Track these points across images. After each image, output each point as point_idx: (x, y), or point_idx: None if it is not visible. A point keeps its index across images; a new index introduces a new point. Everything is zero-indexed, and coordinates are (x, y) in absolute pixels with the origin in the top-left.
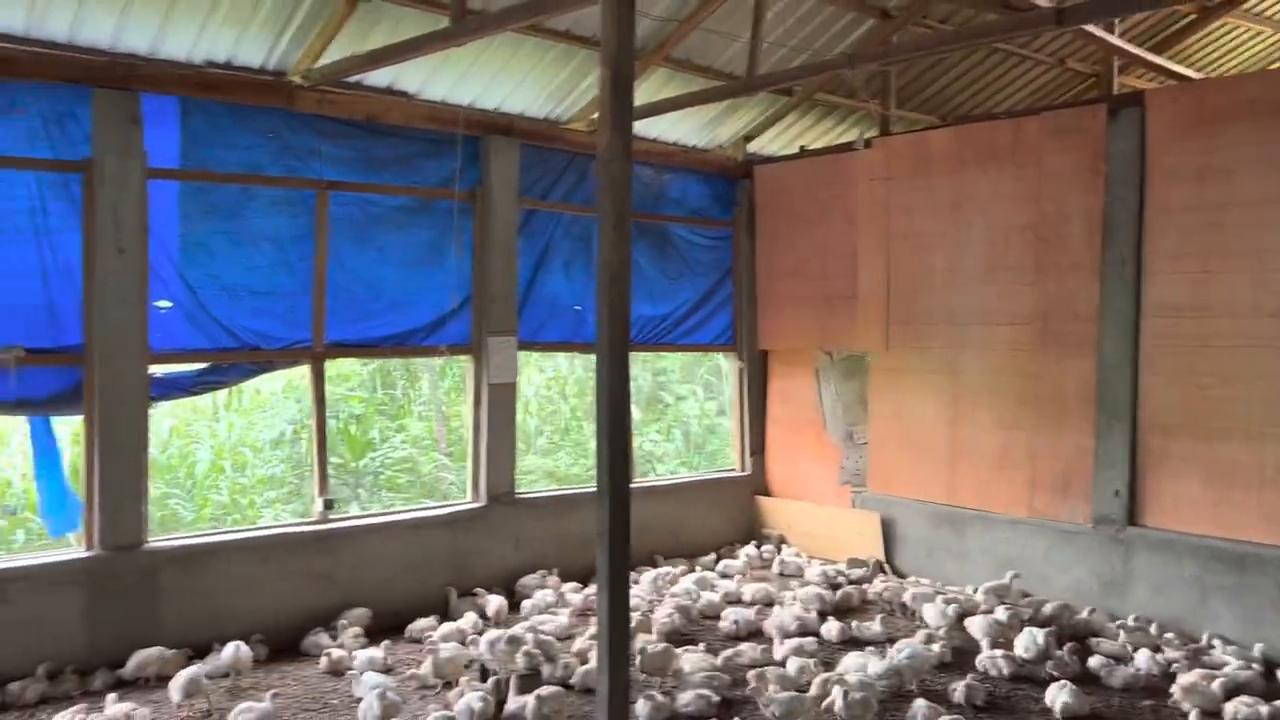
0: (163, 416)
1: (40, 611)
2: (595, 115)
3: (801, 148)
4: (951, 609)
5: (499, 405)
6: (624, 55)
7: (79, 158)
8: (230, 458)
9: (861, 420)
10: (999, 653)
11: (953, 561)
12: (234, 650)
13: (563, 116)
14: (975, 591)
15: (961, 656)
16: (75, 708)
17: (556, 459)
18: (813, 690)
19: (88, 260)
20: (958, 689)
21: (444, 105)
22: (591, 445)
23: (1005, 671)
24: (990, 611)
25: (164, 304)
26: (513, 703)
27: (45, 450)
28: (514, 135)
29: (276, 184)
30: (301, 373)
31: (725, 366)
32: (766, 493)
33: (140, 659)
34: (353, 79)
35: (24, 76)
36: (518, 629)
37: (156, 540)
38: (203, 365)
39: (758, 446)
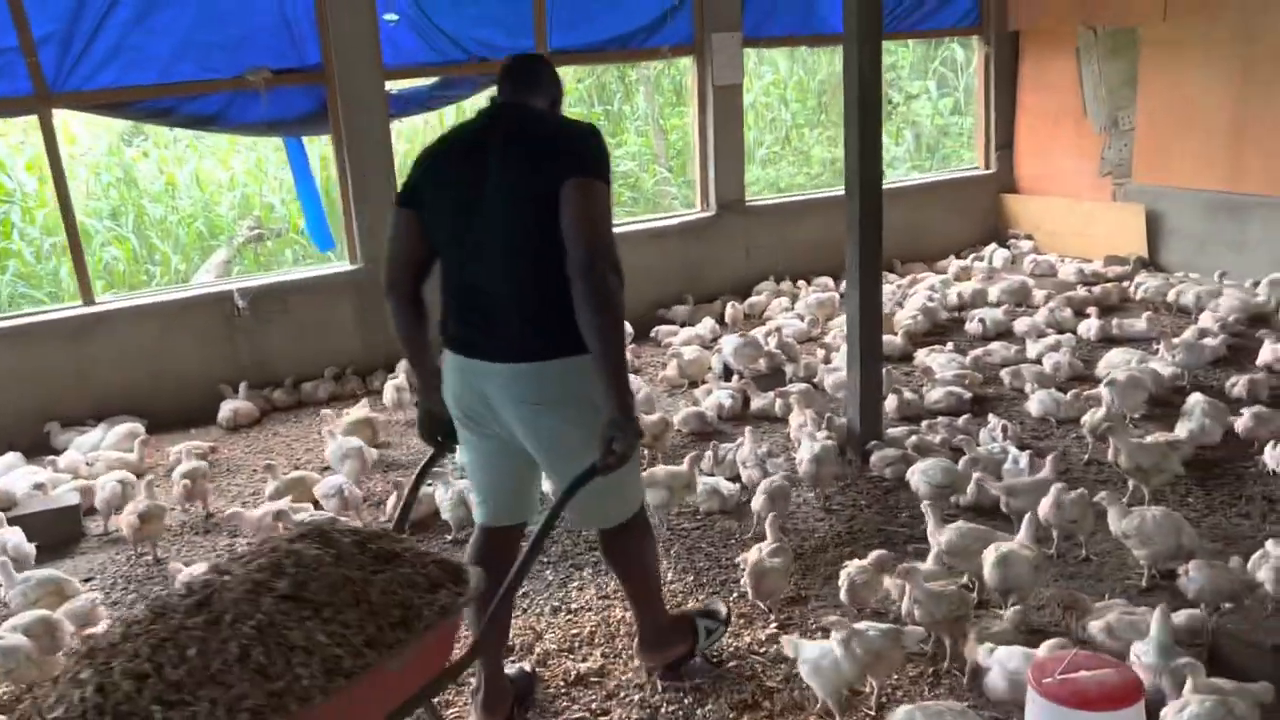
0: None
1: (319, 319)
2: None
3: None
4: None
5: (725, 109)
6: None
7: None
8: None
9: (1128, 104)
10: None
11: (1230, 254)
12: None
13: None
14: (1258, 286)
15: (1240, 354)
16: (361, 403)
17: (779, 169)
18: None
19: None
20: (1238, 384)
21: None
22: (814, 153)
23: None
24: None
25: (391, 17)
26: (758, 400)
27: (302, 171)
28: None
29: None
30: None
31: (963, 56)
32: (1014, 190)
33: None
34: None
35: None
36: (756, 333)
37: None
38: (434, 80)
39: (1005, 140)
